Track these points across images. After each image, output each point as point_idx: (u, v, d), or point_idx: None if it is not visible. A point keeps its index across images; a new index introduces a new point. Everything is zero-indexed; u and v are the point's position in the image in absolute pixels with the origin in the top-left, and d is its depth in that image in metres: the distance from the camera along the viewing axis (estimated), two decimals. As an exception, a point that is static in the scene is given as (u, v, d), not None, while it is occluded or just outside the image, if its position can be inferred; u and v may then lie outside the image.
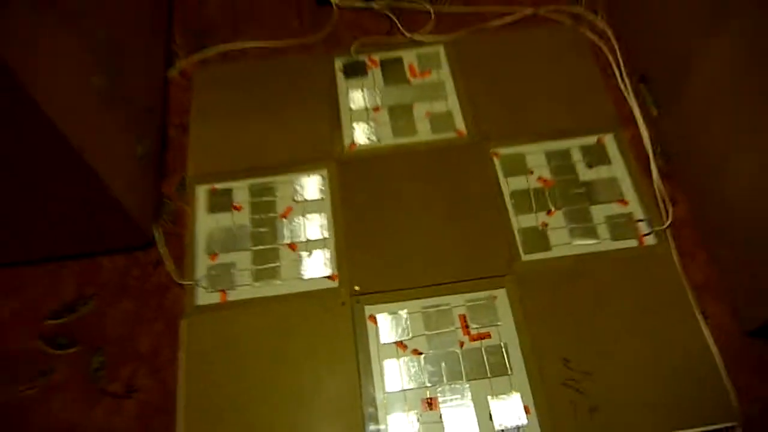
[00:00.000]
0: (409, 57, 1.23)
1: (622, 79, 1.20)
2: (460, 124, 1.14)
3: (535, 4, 1.31)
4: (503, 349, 0.93)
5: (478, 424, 0.88)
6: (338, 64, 1.22)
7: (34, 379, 0.94)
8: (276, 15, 1.32)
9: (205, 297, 0.99)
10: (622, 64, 1.22)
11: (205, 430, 0.88)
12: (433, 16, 1.30)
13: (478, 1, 1.32)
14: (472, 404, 0.89)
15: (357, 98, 1.18)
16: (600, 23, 1.28)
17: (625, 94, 1.19)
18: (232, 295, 0.99)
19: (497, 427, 0.87)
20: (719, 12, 0.91)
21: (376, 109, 1.16)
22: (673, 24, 1.05)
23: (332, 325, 0.95)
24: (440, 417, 0.88)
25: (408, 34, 1.27)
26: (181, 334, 0.95)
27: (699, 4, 0.96)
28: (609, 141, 1.12)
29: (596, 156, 1.10)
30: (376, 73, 1.21)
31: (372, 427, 0.87)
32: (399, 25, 1.29)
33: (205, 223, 1.05)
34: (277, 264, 1.01)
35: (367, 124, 1.15)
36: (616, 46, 1.24)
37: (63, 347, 0.97)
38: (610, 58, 1.23)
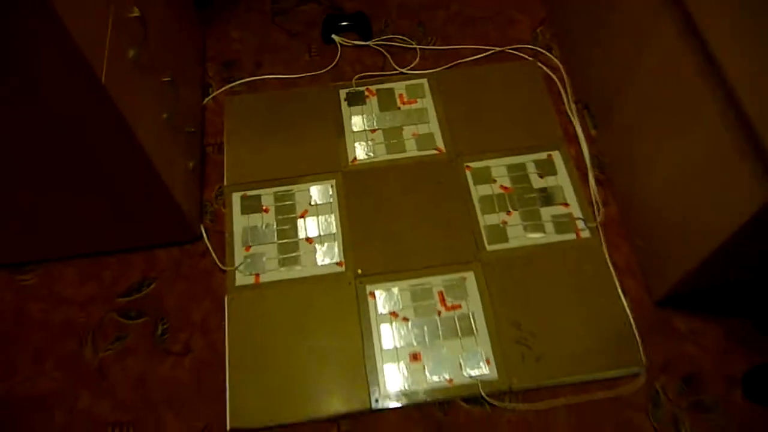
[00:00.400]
0: (399, 88, 1.52)
1: (569, 106, 1.50)
2: (439, 142, 1.44)
3: (501, 43, 1.61)
4: (471, 317, 1.22)
5: (452, 371, 1.17)
6: (342, 94, 1.52)
7: (112, 344, 1.23)
8: (290, 51, 1.61)
9: (242, 279, 1.27)
10: (570, 93, 1.52)
11: (245, 380, 1.17)
12: (418, 53, 1.59)
13: (455, 41, 1.61)
14: (447, 357, 1.18)
15: (358, 122, 1.47)
16: (554, 59, 1.58)
17: (571, 118, 1.48)
18: (264, 278, 1.27)
19: (465, 374, 1.17)
20: (638, 51, 1.19)
21: (373, 130, 1.46)
22: (605, 61, 1.34)
23: (340, 300, 1.24)
24: (423, 367, 1.18)
25: (398, 68, 1.56)
26: (225, 307, 1.24)
27: (624, 47, 1.25)
28: (556, 156, 1.41)
29: (546, 168, 1.40)
30: (373, 101, 1.50)
31: (371, 374, 1.17)
32: (391, 60, 1.58)
33: (240, 222, 1.34)
34: (297, 254, 1.30)
35: (366, 143, 1.44)
36: (566, 79, 1.54)
37: (133, 318, 1.25)
38: (561, 88, 1.53)
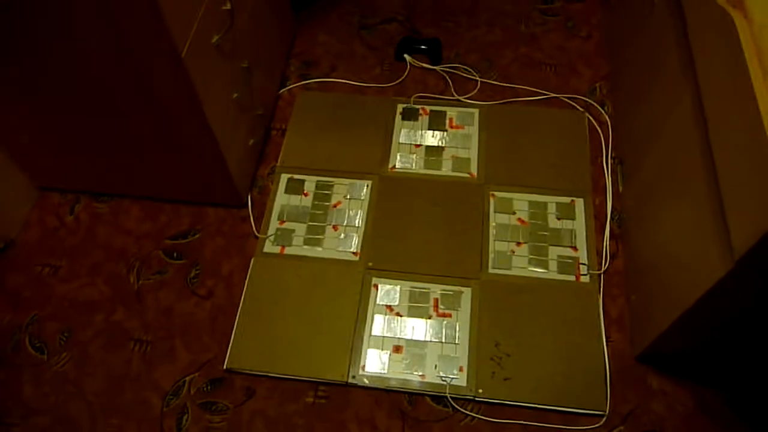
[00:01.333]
0: (451, 112, 1.66)
1: (606, 159, 1.58)
2: (473, 168, 1.56)
3: (559, 90, 1.71)
4: (457, 327, 1.34)
5: (426, 369, 1.29)
6: (400, 108, 1.68)
7: (153, 275, 1.44)
8: (365, 62, 1.79)
9: (270, 247, 1.46)
10: (610, 148, 1.60)
11: (249, 330, 1.35)
12: (479, 84, 1.73)
13: (516, 80, 1.73)
14: (426, 356, 1.31)
15: (406, 135, 1.62)
16: (603, 114, 1.66)
17: (605, 171, 1.56)
18: (288, 251, 1.45)
19: (438, 373, 1.28)
20: (664, 119, 1.27)
21: (417, 145, 1.61)
22: (641, 124, 1.42)
23: (347, 285, 1.40)
24: (402, 359, 1.30)
25: (455, 95, 1.70)
26: (249, 267, 1.43)
27: (655, 113, 1.32)
28: (579, 203, 1.50)
29: (566, 212, 1.49)
30: (425, 119, 1.65)
31: (355, 353, 1.31)
32: (452, 86, 1.72)
33: (281, 200, 1.53)
34: (322, 237, 1.47)
35: (408, 155, 1.59)
36: (611, 134, 1.62)
37: (174, 259, 1.46)
38: (603, 141, 1.61)
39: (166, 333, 1.36)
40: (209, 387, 1.29)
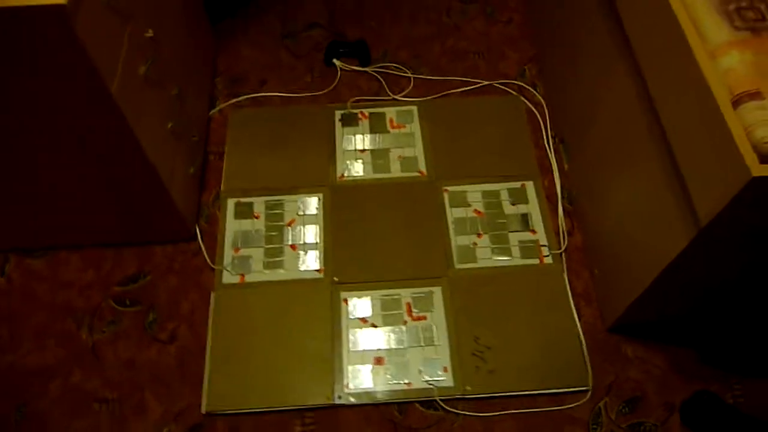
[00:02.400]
0: (390, 113, 1.65)
1: (547, 140, 1.61)
2: (422, 166, 1.55)
3: (490, 77, 1.72)
4: (433, 328, 1.33)
5: (411, 376, 1.28)
6: (338, 114, 1.64)
7: (106, 326, 1.35)
8: (294, 71, 1.74)
9: (228, 278, 1.39)
10: (549, 127, 1.63)
11: (223, 369, 1.28)
12: (412, 81, 1.72)
13: (447, 72, 1.74)
14: (408, 363, 1.29)
15: (349, 142, 1.59)
16: (537, 95, 1.69)
17: (548, 151, 1.59)
18: (248, 278, 1.39)
19: (423, 378, 1.27)
20: (599, 92, 1.30)
21: (362, 151, 1.58)
22: (578, 99, 1.46)
23: (316, 304, 1.36)
24: (385, 370, 1.28)
25: (391, 95, 1.68)
26: (210, 302, 1.36)
27: (590, 86, 1.36)
28: (530, 186, 1.52)
29: (518, 196, 1.51)
30: (365, 123, 1.63)
31: (337, 373, 1.27)
32: (386, 86, 1.70)
33: (232, 226, 1.46)
34: (282, 258, 1.42)
35: (355, 161, 1.56)
36: (547, 114, 1.65)
37: (127, 306, 1.37)
38: (541, 123, 1.64)
39: (132, 387, 1.28)
40: (190, 435, 1.23)
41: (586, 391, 1.28)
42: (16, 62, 0.92)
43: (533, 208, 1.49)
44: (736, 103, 0.87)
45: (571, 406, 1.26)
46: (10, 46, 0.90)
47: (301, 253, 1.42)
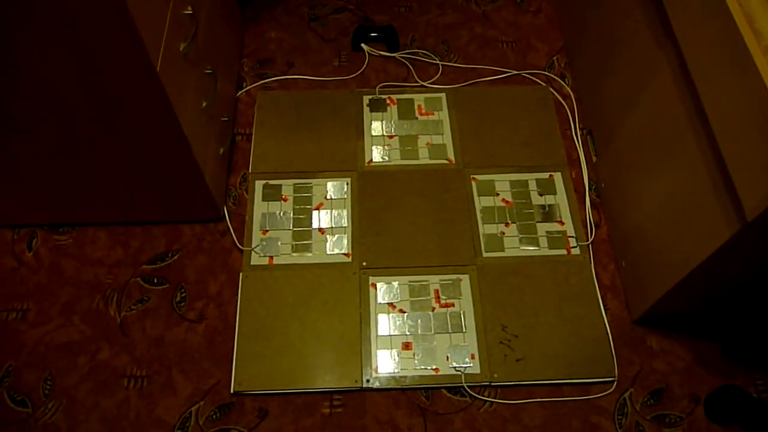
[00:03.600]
0: (418, 99, 1.64)
1: (575, 132, 1.61)
2: (450, 153, 1.55)
3: (519, 67, 1.72)
4: (461, 315, 1.33)
5: (439, 362, 1.28)
6: (365, 99, 1.63)
7: (134, 304, 1.35)
8: (322, 55, 1.73)
9: (257, 259, 1.39)
10: (577, 119, 1.63)
11: (251, 349, 1.29)
12: (440, 68, 1.71)
13: (476, 60, 1.73)
14: (436, 349, 1.30)
15: (377, 127, 1.59)
16: (566, 87, 1.69)
17: (576, 143, 1.59)
18: (277, 260, 1.39)
19: (451, 364, 1.28)
20: (639, 87, 1.30)
21: (390, 136, 1.57)
22: (610, 93, 1.45)
23: (344, 288, 1.36)
24: (413, 355, 1.29)
25: (419, 81, 1.68)
26: (239, 283, 1.36)
27: (627, 82, 1.36)
28: (557, 177, 1.52)
29: (546, 187, 1.51)
30: (393, 109, 1.62)
31: (365, 357, 1.28)
32: (414, 72, 1.70)
33: (260, 208, 1.46)
34: (309, 242, 1.42)
35: (383, 147, 1.56)
36: (575, 106, 1.65)
37: (155, 284, 1.37)
38: (569, 114, 1.64)
39: (161, 364, 1.28)
40: (218, 414, 1.23)
41: (612, 381, 1.28)
42: (66, 36, 0.92)
43: (561, 199, 1.49)
44: (788, 98, 0.87)
45: (597, 396, 1.27)
46: (59, 21, 0.89)
47: (329, 237, 1.43)
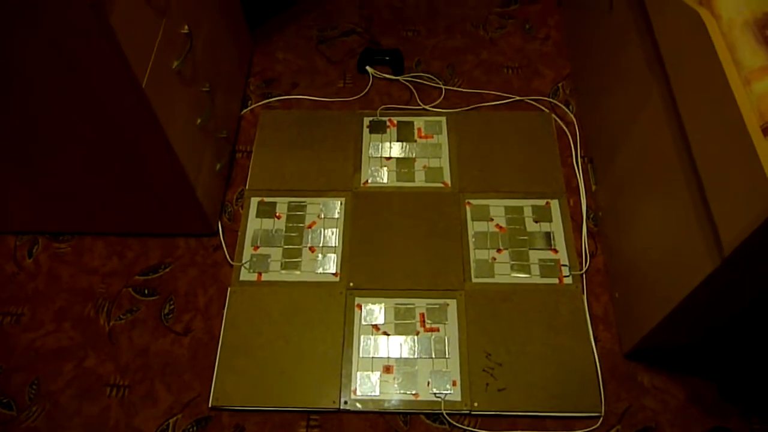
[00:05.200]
0: (419, 122, 1.65)
1: (576, 159, 1.59)
2: (446, 177, 1.54)
3: (523, 93, 1.71)
4: (446, 341, 1.31)
5: (419, 387, 1.26)
6: (366, 121, 1.65)
7: (124, 314, 1.37)
8: (327, 76, 1.76)
9: (246, 275, 1.41)
10: (579, 147, 1.61)
11: (233, 364, 1.29)
12: (443, 92, 1.71)
13: (480, 85, 1.73)
14: (417, 373, 1.28)
15: (376, 148, 1.60)
16: (569, 114, 1.67)
17: (576, 170, 1.57)
18: (265, 277, 1.40)
19: (431, 390, 1.26)
20: (633, 116, 1.28)
21: (388, 158, 1.58)
22: (610, 121, 1.43)
23: (330, 308, 1.36)
24: (393, 378, 1.27)
25: (421, 104, 1.68)
26: (226, 298, 1.38)
27: (623, 111, 1.33)
28: (554, 205, 1.50)
29: (542, 214, 1.49)
30: (392, 131, 1.63)
31: (345, 378, 1.27)
32: (416, 96, 1.70)
33: (253, 224, 1.48)
34: (299, 260, 1.42)
35: (379, 168, 1.56)
36: (578, 133, 1.63)
37: (146, 295, 1.40)
38: (571, 141, 1.62)
39: (144, 375, 1.29)
40: (195, 428, 1.23)
41: (598, 417, 1.24)
42: (50, 50, 0.95)
43: (557, 227, 1.47)
44: (767, 130, 0.84)
45: (580, 431, 1.23)
46: (43, 34, 0.93)
47: (319, 255, 1.43)
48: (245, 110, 1.68)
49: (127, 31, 0.96)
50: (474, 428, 1.23)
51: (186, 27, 1.20)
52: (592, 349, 1.31)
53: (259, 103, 1.69)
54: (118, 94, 1.03)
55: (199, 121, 1.30)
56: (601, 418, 1.24)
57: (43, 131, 1.14)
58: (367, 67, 1.74)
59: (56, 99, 1.05)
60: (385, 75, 1.74)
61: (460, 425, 1.23)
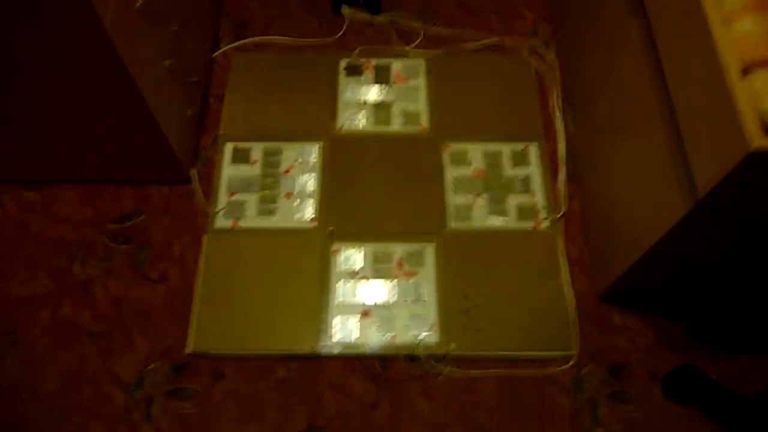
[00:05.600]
0: (396, 65, 1.61)
1: (556, 102, 1.57)
2: (424, 121, 1.52)
3: (502, 34, 1.67)
4: (423, 284, 1.32)
5: (397, 330, 1.28)
6: (342, 64, 1.60)
7: (99, 263, 1.36)
8: (301, 18, 1.69)
9: (221, 222, 1.39)
10: (559, 90, 1.58)
11: (209, 311, 1.29)
12: (422, 34, 1.67)
13: (458, 27, 1.68)
14: (395, 317, 1.29)
15: (353, 92, 1.56)
16: (549, 56, 1.64)
17: (555, 114, 1.55)
18: (241, 224, 1.39)
19: (410, 332, 1.27)
20: (612, 56, 1.26)
21: (364, 102, 1.55)
22: (590, 63, 1.41)
23: (307, 254, 1.35)
24: (372, 323, 1.28)
25: (399, 47, 1.64)
26: (202, 245, 1.36)
27: (602, 51, 1.31)
28: (533, 148, 1.49)
29: (520, 158, 1.48)
30: (369, 75, 1.59)
31: (323, 323, 1.28)
32: (395, 37, 1.66)
33: (228, 171, 1.45)
34: (276, 205, 1.41)
35: (357, 113, 1.53)
36: (558, 76, 1.61)
37: (120, 243, 1.38)
38: (551, 84, 1.59)
39: (121, 323, 1.29)
40: (174, 374, 1.24)
41: (571, 356, 1.27)
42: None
43: (535, 170, 1.46)
44: (746, 70, 0.83)
45: (554, 370, 1.26)
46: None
47: (297, 201, 1.41)
48: (217, 53, 1.63)
49: (85, -35, 0.91)
50: (451, 368, 1.25)
51: (149, -38, 1.14)
52: (567, 291, 1.33)
53: (231, 45, 1.64)
54: (80, 35, 0.99)
55: (167, 63, 1.25)
56: (575, 358, 1.27)
57: (6, 78, 1.09)
58: (343, 7, 1.68)
59: (18, 44, 1.00)
60: (362, 16, 1.69)
61: (437, 366, 1.26)
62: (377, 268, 1.34)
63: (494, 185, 1.44)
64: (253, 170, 1.45)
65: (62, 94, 1.13)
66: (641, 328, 1.31)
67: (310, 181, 1.44)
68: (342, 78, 1.58)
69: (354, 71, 1.59)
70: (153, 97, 1.18)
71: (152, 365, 1.25)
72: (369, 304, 1.30)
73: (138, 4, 1.11)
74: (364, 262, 1.35)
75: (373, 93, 1.56)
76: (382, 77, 1.58)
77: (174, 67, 1.29)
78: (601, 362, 1.27)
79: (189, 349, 1.25)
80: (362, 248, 1.36)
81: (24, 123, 1.22)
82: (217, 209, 1.40)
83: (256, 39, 1.65)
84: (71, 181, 1.43)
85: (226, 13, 1.69)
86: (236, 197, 1.42)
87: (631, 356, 1.28)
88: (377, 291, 1.32)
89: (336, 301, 1.30)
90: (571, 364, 1.27)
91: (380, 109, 1.54)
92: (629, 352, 1.29)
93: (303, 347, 1.26)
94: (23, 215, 1.40)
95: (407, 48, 1.64)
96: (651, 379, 1.26)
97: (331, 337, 1.27)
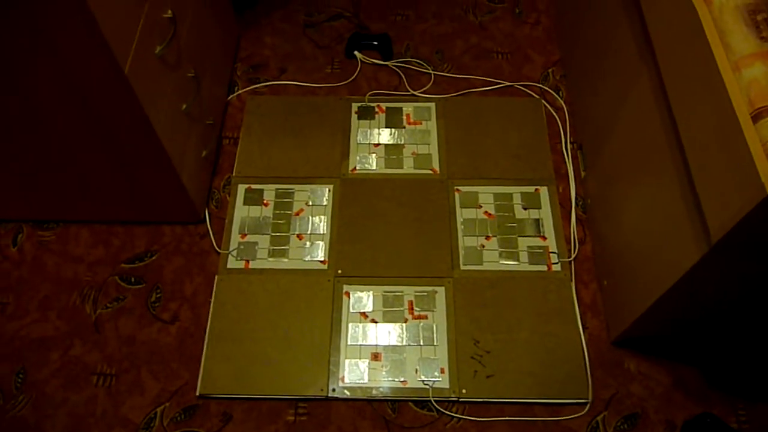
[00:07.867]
0: (407, 108, 1.63)
1: (566, 145, 1.58)
2: (435, 164, 1.53)
3: (513, 78, 1.70)
4: (434, 328, 1.31)
5: (407, 375, 1.26)
6: (354, 107, 1.63)
7: (110, 302, 1.36)
8: (315, 61, 1.73)
9: (233, 263, 1.39)
10: (569, 133, 1.60)
11: (220, 352, 1.29)
12: (432, 78, 1.70)
13: (469, 71, 1.71)
14: (405, 361, 1.28)
15: (364, 135, 1.58)
16: (559, 100, 1.66)
17: (565, 157, 1.56)
18: (253, 264, 1.39)
19: (419, 378, 1.26)
20: (622, 101, 1.27)
21: (376, 145, 1.57)
22: (599, 107, 1.42)
23: (318, 295, 1.35)
24: (382, 366, 1.27)
25: (410, 90, 1.67)
26: (213, 286, 1.36)
27: (612, 95, 1.33)
28: (543, 192, 1.49)
29: (531, 201, 1.48)
30: (381, 117, 1.61)
31: (333, 366, 1.27)
32: (405, 81, 1.69)
33: (241, 212, 1.46)
34: (287, 247, 1.41)
35: (368, 155, 1.55)
36: (568, 120, 1.62)
37: (132, 284, 1.38)
38: (561, 128, 1.61)
39: (131, 363, 1.29)
40: (183, 416, 1.23)
41: (585, 403, 1.25)
42: (29, 36, 0.93)
43: (546, 214, 1.46)
44: (757, 117, 0.84)
45: (568, 417, 1.24)
46: (20, 19, 0.90)
47: (307, 243, 1.42)
48: (232, 96, 1.66)
49: (108, 16, 0.94)
50: (462, 415, 1.23)
51: (170, 11, 1.18)
52: (580, 336, 1.31)
53: (246, 89, 1.67)
54: (100, 80, 1.01)
55: (184, 106, 1.28)
56: (589, 405, 1.25)
57: (26, 119, 1.11)
58: (355, 52, 1.72)
59: (38, 86, 1.03)
60: (373, 60, 1.72)
61: (448, 412, 1.24)
62: (388, 311, 1.33)
63: (505, 228, 1.44)
64: (265, 212, 1.46)
65: (80, 136, 1.16)
66: (657, 374, 1.28)
67: (321, 223, 1.44)
68: (354, 121, 1.61)
69: (366, 114, 1.62)
70: (169, 139, 1.21)
71: (161, 407, 1.24)
72: (379, 346, 1.29)
73: (158, 50, 1.14)
74: (375, 304, 1.34)
75: (384, 136, 1.58)
76: (393, 120, 1.61)
77: (190, 110, 1.32)
78: (616, 409, 1.25)
79: (198, 391, 1.24)
80: (372, 290, 1.36)
81: (41, 164, 1.24)
82: (229, 250, 1.41)
83: (270, 82, 1.69)
84: (85, 221, 1.45)
85: (241, 58, 1.74)
86: (248, 238, 1.43)
87: (646, 403, 1.26)
88: (388, 334, 1.31)
89: (346, 344, 1.29)
90: (585, 411, 1.24)
91: (392, 151, 1.55)
92: (645, 399, 1.26)
93: (313, 390, 1.24)
94: (38, 254, 1.41)
95: (417, 92, 1.66)
96: (667, 428, 1.23)
97: (341, 379, 1.26)
